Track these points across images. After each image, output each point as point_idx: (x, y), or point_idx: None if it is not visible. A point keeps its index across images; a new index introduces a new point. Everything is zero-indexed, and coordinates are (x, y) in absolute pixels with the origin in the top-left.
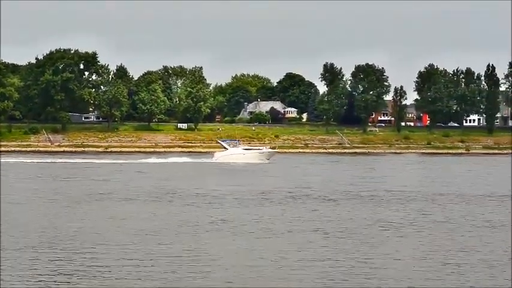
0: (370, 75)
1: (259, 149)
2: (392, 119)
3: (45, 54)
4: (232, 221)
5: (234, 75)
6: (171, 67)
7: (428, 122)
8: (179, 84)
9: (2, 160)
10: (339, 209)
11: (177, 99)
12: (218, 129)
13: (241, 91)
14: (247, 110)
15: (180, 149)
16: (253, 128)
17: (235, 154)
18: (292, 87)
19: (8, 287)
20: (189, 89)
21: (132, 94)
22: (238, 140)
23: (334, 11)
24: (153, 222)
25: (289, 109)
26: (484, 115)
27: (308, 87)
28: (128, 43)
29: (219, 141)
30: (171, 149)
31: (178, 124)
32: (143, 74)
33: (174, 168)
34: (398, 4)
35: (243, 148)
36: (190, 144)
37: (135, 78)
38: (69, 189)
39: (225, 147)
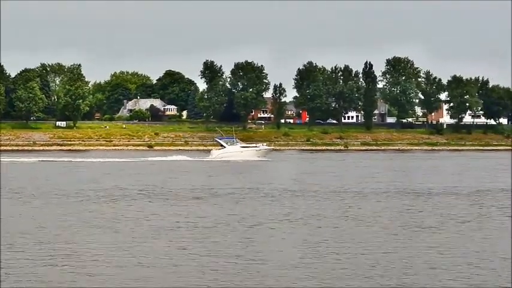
0: (250, 73)
1: (256, 147)
2: (272, 116)
3: None
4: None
5: (113, 73)
6: (49, 65)
7: (308, 119)
8: (57, 82)
9: None
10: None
11: (56, 97)
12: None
13: (120, 88)
14: (127, 108)
15: (58, 147)
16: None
17: (234, 152)
18: (172, 85)
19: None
20: (67, 86)
21: (9, 92)
22: (236, 138)
23: (213, 8)
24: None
25: (169, 106)
26: (362, 112)
27: (188, 85)
28: (4, 41)
29: (217, 140)
30: (50, 147)
31: (57, 122)
32: (20, 72)
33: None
34: (277, 2)
35: (241, 146)
36: (69, 142)
37: (13, 76)
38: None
39: (223, 145)
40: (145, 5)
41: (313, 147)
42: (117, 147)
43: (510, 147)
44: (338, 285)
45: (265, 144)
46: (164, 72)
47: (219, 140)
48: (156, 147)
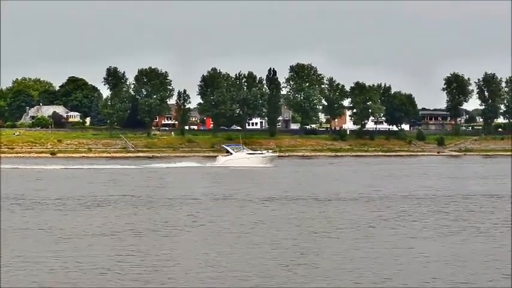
0: (154, 79)
1: (261, 153)
2: (176, 122)
3: None
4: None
5: (14, 79)
6: None
7: (212, 125)
8: None
9: None
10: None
11: None
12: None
13: (22, 95)
14: (29, 115)
15: None
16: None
17: (240, 158)
18: (75, 91)
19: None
20: None
21: None
22: (242, 145)
23: (116, 13)
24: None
25: (72, 113)
26: (266, 118)
27: (91, 91)
28: None
29: (224, 146)
30: None
31: None
32: None
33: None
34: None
35: (247, 153)
36: None
37: None
38: None
39: (229, 152)
40: (48, 10)
41: (217, 154)
42: (19, 154)
43: (412, 153)
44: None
45: (270, 151)
46: (67, 78)
47: (226, 147)
48: (59, 155)
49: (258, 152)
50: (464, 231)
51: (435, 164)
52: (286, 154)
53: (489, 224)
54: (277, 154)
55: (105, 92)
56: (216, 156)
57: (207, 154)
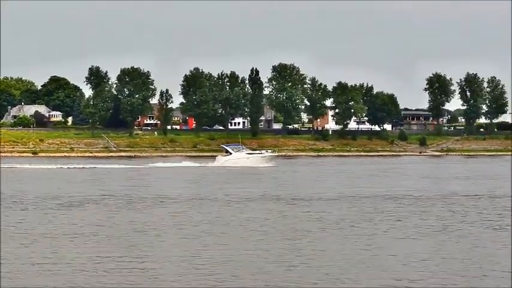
0: (136, 79)
1: (260, 153)
2: (159, 122)
3: None
4: None
5: None
6: None
7: (194, 125)
8: None
9: None
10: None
11: None
12: None
13: (4, 95)
14: (11, 114)
15: None
16: None
17: (240, 158)
18: (57, 91)
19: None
20: None
21: None
22: (242, 145)
23: (98, 12)
24: None
25: (54, 113)
26: (249, 118)
27: (73, 91)
28: None
29: (224, 146)
30: None
31: None
32: None
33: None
34: (162, 8)
35: (247, 152)
36: None
37: None
38: None
39: (229, 152)
40: (30, 9)
41: (200, 154)
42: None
43: (394, 153)
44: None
45: (269, 150)
46: (49, 78)
47: (225, 147)
48: (41, 154)
49: (257, 151)
50: (440, 232)
51: (416, 164)
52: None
53: (467, 225)
54: (276, 154)
55: (87, 91)
56: (214, 156)
57: (190, 154)
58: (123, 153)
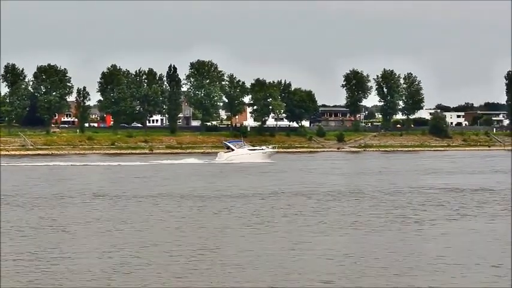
0: (53, 76)
1: (261, 149)
2: (76, 120)
3: None
4: None
5: None
6: None
7: (112, 122)
8: None
9: None
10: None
11: None
12: None
13: None
14: None
15: None
16: None
17: (242, 154)
18: None
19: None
20: None
21: None
22: (243, 141)
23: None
24: None
25: None
26: (167, 115)
27: None
28: None
29: (226, 143)
30: None
31: None
32: None
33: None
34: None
35: (248, 149)
36: None
37: None
38: None
39: (231, 148)
40: None
41: (118, 151)
42: None
43: (312, 149)
44: None
45: (270, 146)
46: None
47: (227, 143)
48: None
49: (258, 148)
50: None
51: (335, 160)
52: (187, 151)
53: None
54: (276, 150)
55: (3, 89)
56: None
57: (107, 152)
58: (40, 152)
